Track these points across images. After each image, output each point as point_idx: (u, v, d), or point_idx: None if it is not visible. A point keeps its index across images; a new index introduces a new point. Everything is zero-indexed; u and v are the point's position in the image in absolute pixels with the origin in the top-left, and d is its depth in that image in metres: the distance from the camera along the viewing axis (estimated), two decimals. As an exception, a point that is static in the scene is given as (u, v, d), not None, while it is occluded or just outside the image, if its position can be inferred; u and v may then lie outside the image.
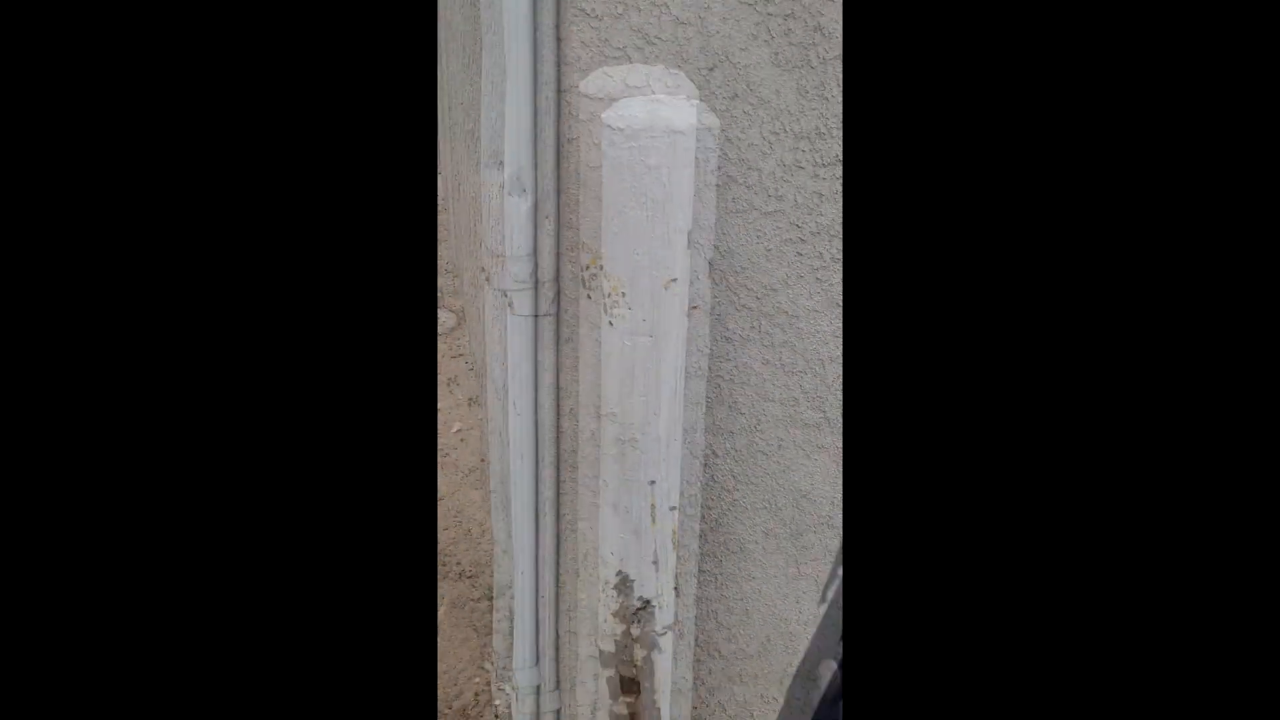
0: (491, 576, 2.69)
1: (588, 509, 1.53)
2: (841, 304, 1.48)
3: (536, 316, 1.45)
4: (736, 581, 1.64)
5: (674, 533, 1.26)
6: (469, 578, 2.70)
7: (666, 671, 1.31)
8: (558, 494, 1.57)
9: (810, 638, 0.61)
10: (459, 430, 3.27)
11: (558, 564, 1.61)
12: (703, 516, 1.48)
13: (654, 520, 1.24)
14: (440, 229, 4.35)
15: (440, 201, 4.54)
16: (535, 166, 1.30)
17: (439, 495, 2.94)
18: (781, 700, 1.76)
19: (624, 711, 1.33)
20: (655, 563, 1.27)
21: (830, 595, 0.63)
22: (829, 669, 0.64)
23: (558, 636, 1.68)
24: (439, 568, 2.67)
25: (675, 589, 1.29)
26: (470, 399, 3.43)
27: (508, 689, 1.82)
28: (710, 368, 1.43)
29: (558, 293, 1.45)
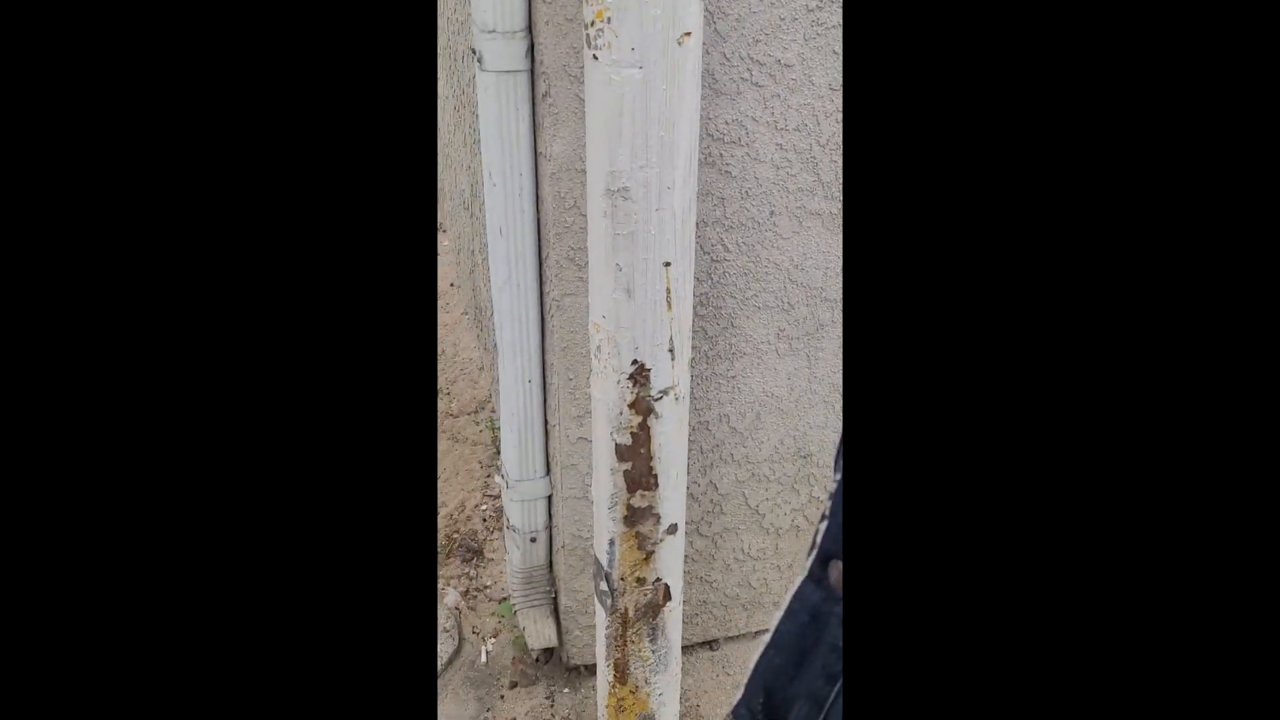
0: (467, 394, 2.65)
1: (572, 282, 1.46)
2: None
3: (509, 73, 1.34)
4: (728, 359, 1.61)
5: (668, 291, 1.20)
6: (445, 395, 2.66)
7: (665, 436, 1.28)
8: (539, 267, 1.50)
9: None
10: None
11: (542, 341, 1.55)
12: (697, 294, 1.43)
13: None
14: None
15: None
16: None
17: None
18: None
19: (621, 482, 1.30)
20: (650, 323, 1.21)
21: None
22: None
23: (546, 421, 1.64)
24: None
25: (670, 351, 1.24)
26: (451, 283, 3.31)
27: (497, 479, 1.80)
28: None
29: (531, 45, 1.33)
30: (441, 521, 2.22)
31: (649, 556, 1.36)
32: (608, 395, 1.25)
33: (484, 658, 1.91)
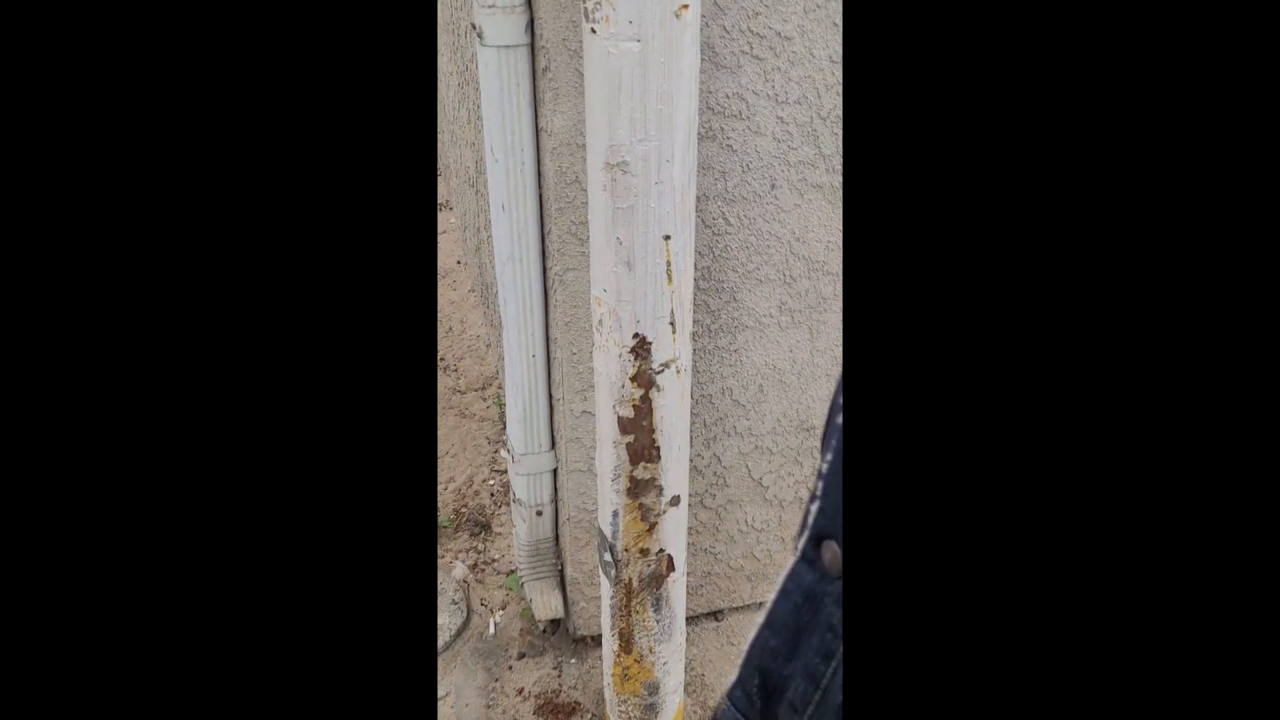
0: (474, 370, 2.67)
1: (574, 257, 1.47)
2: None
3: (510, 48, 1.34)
4: (730, 332, 1.61)
5: (669, 264, 1.21)
6: (453, 371, 2.68)
7: (667, 409, 1.29)
8: (542, 242, 1.51)
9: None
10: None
11: (546, 316, 1.56)
12: (696, 265, 1.43)
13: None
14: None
15: None
16: None
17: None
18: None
19: (624, 455, 1.32)
20: (650, 296, 1.22)
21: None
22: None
23: (550, 396, 1.66)
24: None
25: (671, 324, 1.25)
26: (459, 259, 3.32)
27: (504, 453, 1.82)
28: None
29: (531, 20, 1.33)
30: (449, 496, 2.24)
31: (652, 528, 1.38)
32: (609, 369, 1.26)
33: (492, 629, 1.93)
